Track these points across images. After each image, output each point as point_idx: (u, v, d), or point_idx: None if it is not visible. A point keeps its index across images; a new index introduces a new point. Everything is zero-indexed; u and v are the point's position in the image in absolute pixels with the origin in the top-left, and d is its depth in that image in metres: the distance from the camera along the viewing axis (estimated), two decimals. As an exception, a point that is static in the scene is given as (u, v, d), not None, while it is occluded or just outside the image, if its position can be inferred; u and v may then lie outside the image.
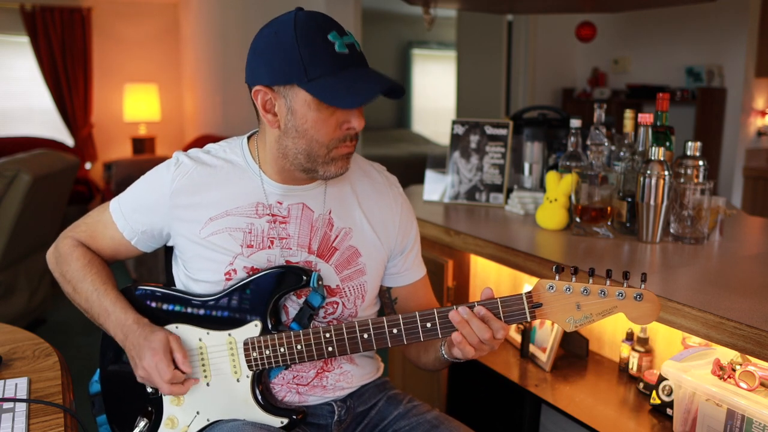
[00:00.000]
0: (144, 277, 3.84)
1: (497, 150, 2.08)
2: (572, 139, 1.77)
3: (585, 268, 1.37)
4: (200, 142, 5.51)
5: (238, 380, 1.11)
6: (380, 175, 1.24)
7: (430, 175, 2.21)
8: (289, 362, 1.09)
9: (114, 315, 1.12)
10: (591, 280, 0.97)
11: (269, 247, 1.12)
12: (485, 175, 2.09)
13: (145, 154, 6.46)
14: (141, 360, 1.07)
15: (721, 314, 1.10)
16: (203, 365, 1.12)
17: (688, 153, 1.59)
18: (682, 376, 1.30)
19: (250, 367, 1.11)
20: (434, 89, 7.73)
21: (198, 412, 1.14)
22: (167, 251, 1.27)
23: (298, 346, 1.08)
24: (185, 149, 1.19)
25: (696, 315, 1.14)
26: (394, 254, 1.23)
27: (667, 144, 1.66)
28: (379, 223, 1.19)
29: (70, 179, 3.50)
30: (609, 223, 1.67)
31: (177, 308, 1.14)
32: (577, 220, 1.68)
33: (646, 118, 1.64)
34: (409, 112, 7.90)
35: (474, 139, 2.10)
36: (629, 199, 1.66)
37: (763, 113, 4.11)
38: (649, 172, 1.54)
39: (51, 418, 0.99)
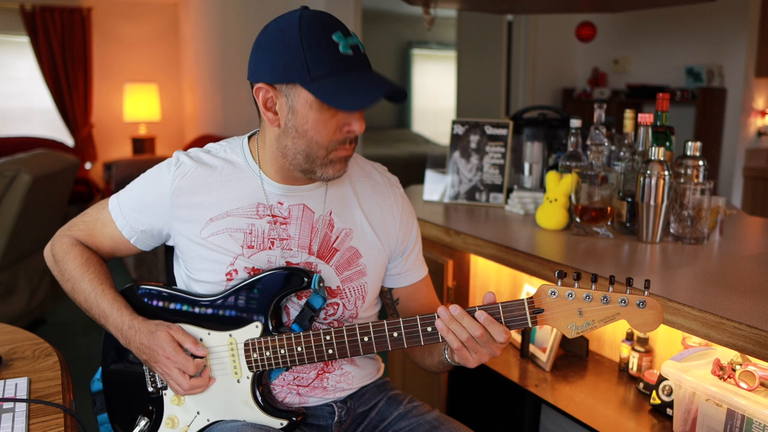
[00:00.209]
0: (144, 277, 3.84)
1: (497, 150, 2.08)
2: (572, 139, 1.77)
3: (585, 269, 1.37)
4: (200, 142, 5.52)
5: (238, 381, 1.11)
6: (381, 176, 1.24)
7: (430, 175, 2.21)
8: (289, 364, 1.09)
9: (112, 317, 1.12)
10: (594, 286, 0.97)
11: (270, 248, 1.12)
12: (485, 175, 2.09)
13: (145, 154, 6.46)
14: (156, 363, 1.08)
15: (720, 314, 1.10)
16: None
17: (688, 153, 1.59)
18: (682, 376, 1.30)
19: (250, 368, 1.11)
20: (434, 89, 7.73)
21: (198, 412, 1.14)
22: (167, 251, 1.27)
23: (299, 348, 1.08)
24: (185, 149, 1.19)
25: (696, 315, 1.14)
26: (394, 255, 1.23)
27: (667, 144, 1.66)
28: (379, 224, 1.19)
29: (70, 179, 3.50)
30: (609, 223, 1.67)
31: (178, 308, 1.14)
32: (577, 220, 1.68)
33: (646, 118, 1.64)
34: (409, 112, 7.90)
35: (474, 139, 2.10)
36: (629, 199, 1.66)
37: (763, 113, 4.11)
38: (649, 172, 1.54)
39: (51, 418, 0.99)
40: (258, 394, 1.11)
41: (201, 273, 1.13)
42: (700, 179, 1.58)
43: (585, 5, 3.37)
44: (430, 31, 4.82)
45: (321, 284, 1.11)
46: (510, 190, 2.08)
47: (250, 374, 1.11)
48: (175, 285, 1.23)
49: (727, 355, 1.32)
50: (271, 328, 1.10)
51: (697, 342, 1.45)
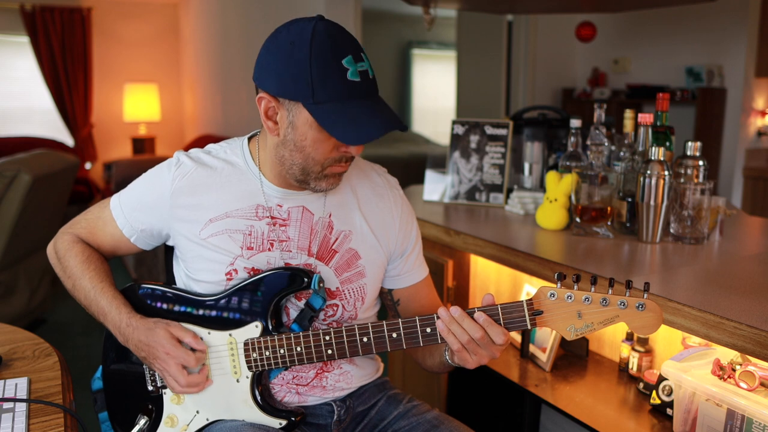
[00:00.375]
0: (144, 277, 3.84)
1: (497, 150, 2.08)
2: (572, 139, 1.77)
3: (585, 269, 1.37)
4: (200, 142, 5.51)
5: (237, 380, 1.11)
6: (381, 178, 1.24)
7: (430, 175, 2.21)
8: (288, 364, 1.09)
9: (110, 315, 1.13)
10: (593, 288, 0.97)
11: (269, 250, 1.12)
12: (485, 175, 2.09)
13: (145, 154, 6.46)
14: (154, 360, 1.08)
15: (720, 314, 1.10)
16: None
17: (688, 153, 1.59)
18: (682, 376, 1.30)
19: (249, 367, 1.11)
20: (434, 89, 7.73)
21: (198, 411, 1.14)
22: (167, 251, 1.27)
23: (298, 348, 1.08)
24: (185, 149, 1.19)
25: (696, 315, 1.14)
26: (393, 257, 1.23)
27: (667, 144, 1.66)
28: (378, 226, 1.20)
29: (70, 179, 3.50)
30: (609, 223, 1.67)
31: (179, 308, 1.15)
32: (577, 220, 1.68)
33: (646, 118, 1.64)
34: (409, 112, 7.89)
35: (474, 139, 2.10)
36: (629, 199, 1.66)
37: (763, 113, 4.11)
38: (649, 172, 1.54)
39: (51, 418, 0.99)
40: (257, 393, 1.11)
41: (201, 273, 1.14)
42: (700, 179, 1.58)
43: (585, 5, 3.37)
44: (430, 31, 4.82)
45: (321, 284, 1.12)
46: (510, 190, 2.08)
47: (250, 374, 1.11)
48: (175, 284, 1.23)
49: (727, 355, 1.32)
50: (270, 328, 1.10)
51: (697, 342, 1.45)
